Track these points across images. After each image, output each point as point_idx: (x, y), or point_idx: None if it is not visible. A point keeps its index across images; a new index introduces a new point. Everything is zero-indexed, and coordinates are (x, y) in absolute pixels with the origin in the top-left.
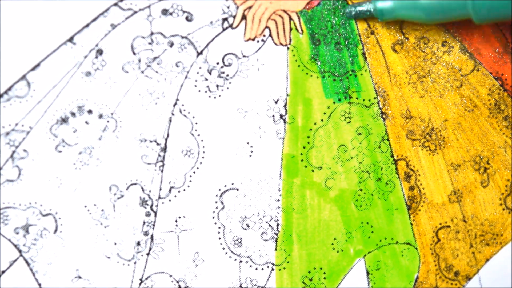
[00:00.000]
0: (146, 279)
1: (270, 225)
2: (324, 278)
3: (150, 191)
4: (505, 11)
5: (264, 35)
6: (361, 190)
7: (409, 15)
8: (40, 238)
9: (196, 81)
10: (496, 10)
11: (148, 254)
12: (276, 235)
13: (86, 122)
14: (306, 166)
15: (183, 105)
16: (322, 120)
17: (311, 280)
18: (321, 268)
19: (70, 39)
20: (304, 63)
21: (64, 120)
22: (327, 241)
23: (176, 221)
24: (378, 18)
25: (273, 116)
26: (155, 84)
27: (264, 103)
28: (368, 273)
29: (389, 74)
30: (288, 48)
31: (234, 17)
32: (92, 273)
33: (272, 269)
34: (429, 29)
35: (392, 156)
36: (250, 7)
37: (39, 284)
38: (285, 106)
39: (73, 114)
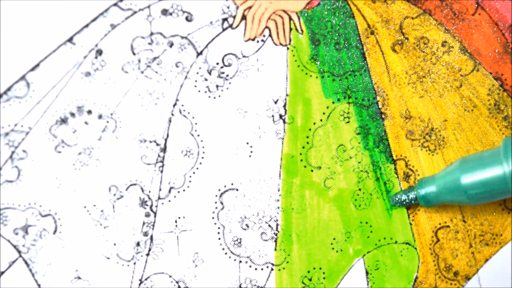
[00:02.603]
0: (146, 279)
1: (269, 225)
2: (324, 278)
3: (149, 191)
4: None
5: (264, 35)
6: (360, 190)
7: (454, 200)
8: (40, 238)
9: (196, 81)
10: None
11: (147, 254)
12: (276, 235)
13: (86, 123)
14: (305, 166)
15: (182, 105)
16: (321, 120)
17: (310, 280)
18: (320, 268)
19: (70, 39)
20: (303, 63)
21: (63, 121)
22: (326, 241)
23: (175, 221)
24: (423, 205)
25: (272, 116)
26: (155, 84)
27: (263, 103)
28: (367, 273)
29: (388, 74)
30: (287, 48)
31: (234, 17)
32: (91, 274)
33: (272, 269)
34: (428, 29)
35: (391, 156)
36: (250, 7)
37: (39, 285)
38: (284, 106)
39: (72, 114)
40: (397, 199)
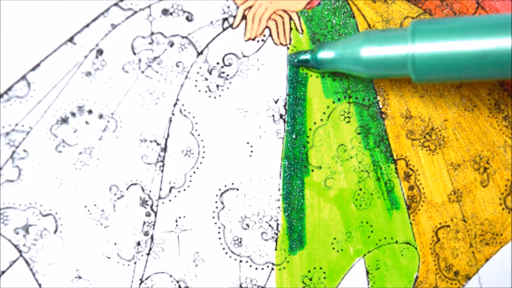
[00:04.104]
0: (146, 279)
1: (270, 225)
2: (324, 278)
3: (150, 191)
4: (444, 74)
5: (264, 35)
6: (360, 189)
7: (349, 69)
8: (40, 238)
9: (196, 81)
10: (436, 73)
11: (148, 254)
12: (276, 235)
13: (86, 122)
14: (306, 166)
15: (183, 105)
16: (321, 119)
17: (311, 279)
18: (321, 268)
19: (70, 39)
20: None
21: (64, 120)
22: (327, 240)
23: (176, 221)
24: (318, 68)
25: (273, 116)
26: (155, 84)
27: (264, 103)
28: (367, 272)
29: None
30: (288, 48)
31: (234, 17)
32: (92, 273)
33: (272, 269)
34: None
35: (392, 155)
36: (250, 7)
37: (39, 284)
38: (285, 106)
39: (73, 114)
40: (291, 57)
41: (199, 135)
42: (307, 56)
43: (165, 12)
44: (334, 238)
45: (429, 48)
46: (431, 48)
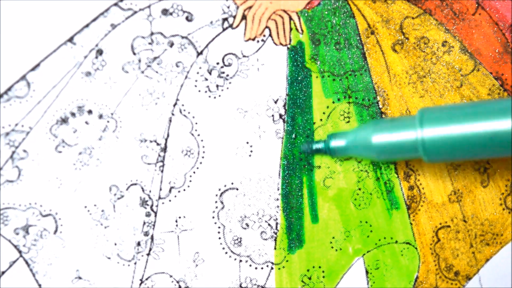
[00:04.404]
0: (147, 279)
1: (269, 225)
2: (323, 277)
3: (150, 191)
4: (455, 155)
5: (264, 35)
6: (359, 189)
7: (361, 155)
8: (40, 238)
9: (196, 81)
10: (446, 154)
11: (148, 254)
12: (275, 234)
13: (86, 122)
14: (305, 166)
15: (183, 105)
16: (321, 119)
17: (310, 279)
18: (320, 267)
19: (70, 39)
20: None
21: (64, 121)
22: (326, 240)
23: (176, 221)
24: (331, 156)
25: (272, 116)
26: (155, 84)
27: (263, 103)
28: (367, 272)
29: (389, 74)
30: (288, 48)
31: (234, 17)
32: (92, 274)
33: (272, 268)
34: (429, 29)
35: None
36: (250, 7)
37: (39, 285)
38: (284, 106)
39: (73, 114)
40: (305, 147)
41: (199, 135)
42: (320, 145)
43: (165, 12)
44: (333, 237)
45: (437, 132)
46: (440, 132)
